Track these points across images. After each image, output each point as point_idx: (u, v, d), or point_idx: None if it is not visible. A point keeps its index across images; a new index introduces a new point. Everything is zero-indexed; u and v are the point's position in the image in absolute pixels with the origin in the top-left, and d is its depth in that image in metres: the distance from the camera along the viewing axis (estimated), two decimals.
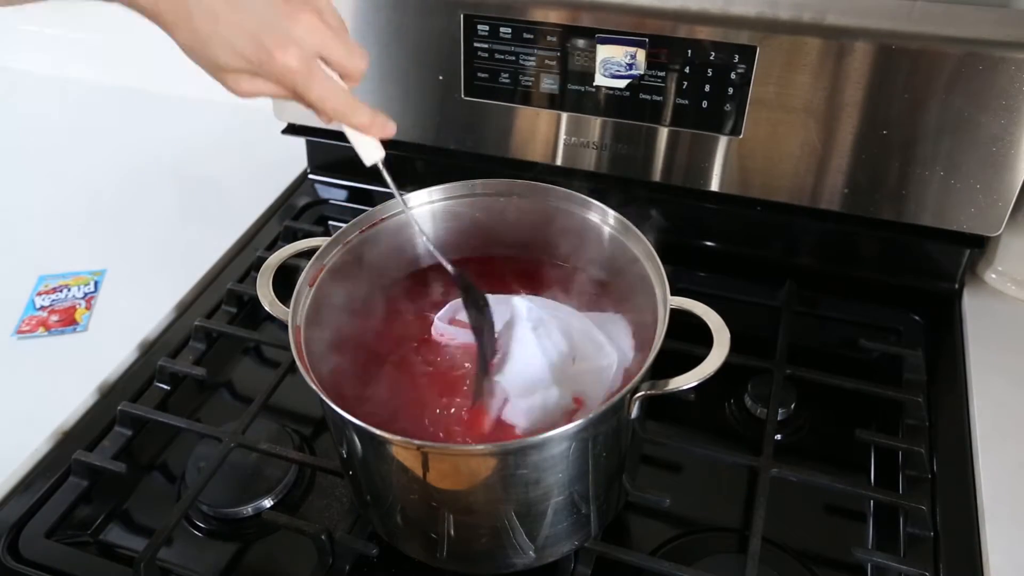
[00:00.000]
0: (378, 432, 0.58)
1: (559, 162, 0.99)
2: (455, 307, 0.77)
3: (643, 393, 0.62)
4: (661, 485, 0.77)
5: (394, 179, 0.67)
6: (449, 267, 0.72)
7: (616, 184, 0.98)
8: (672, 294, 0.66)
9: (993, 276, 0.96)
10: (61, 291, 1.00)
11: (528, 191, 0.79)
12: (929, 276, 0.96)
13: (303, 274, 0.71)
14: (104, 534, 0.78)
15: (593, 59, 0.91)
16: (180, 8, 0.56)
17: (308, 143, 1.16)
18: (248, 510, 0.78)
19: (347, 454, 0.67)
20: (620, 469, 0.69)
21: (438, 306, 0.78)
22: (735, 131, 0.90)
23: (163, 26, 0.57)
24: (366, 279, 0.78)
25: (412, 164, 1.07)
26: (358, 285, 0.77)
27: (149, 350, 0.93)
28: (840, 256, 0.99)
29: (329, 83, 0.59)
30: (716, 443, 0.83)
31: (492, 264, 0.82)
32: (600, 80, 0.92)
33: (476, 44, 0.95)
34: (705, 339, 0.65)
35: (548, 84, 0.94)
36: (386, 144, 0.65)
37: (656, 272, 0.69)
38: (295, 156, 1.18)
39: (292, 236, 1.06)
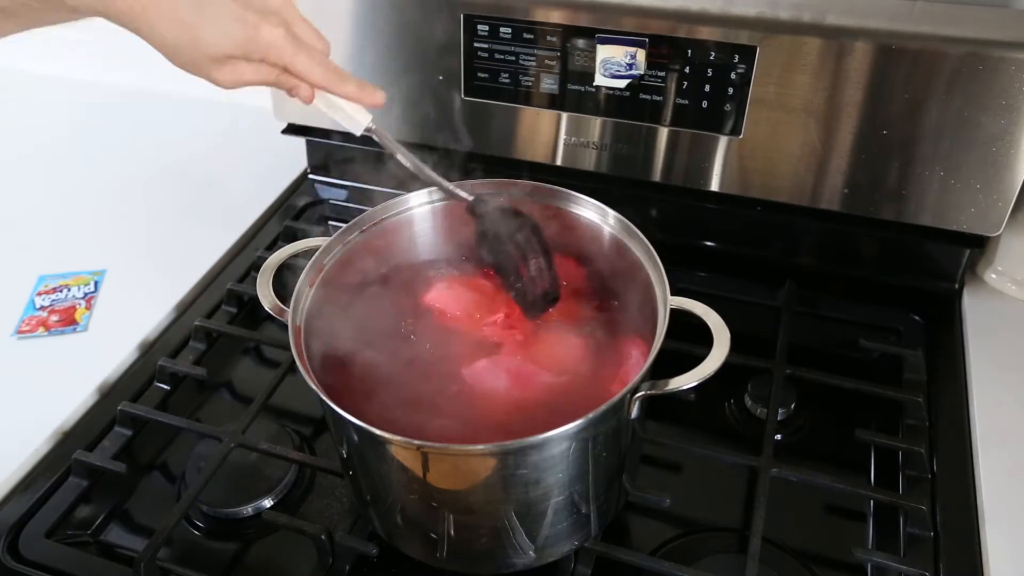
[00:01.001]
0: (378, 432, 0.58)
1: (559, 162, 0.99)
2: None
3: (643, 393, 0.62)
4: (661, 485, 0.77)
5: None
6: (463, 194, 0.73)
7: (616, 184, 0.98)
8: (672, 294, 0.66)
9: (993, 276, 0.96)
10: (61, 291, 1.00)
11: (528, 191, 0.79)
12: (929, 276, 0.96)
13: (303, 274, 0.71)
14: (104, 534, 0.78)
15: (593, 59, 0.91)
16: (163, 2, 0.57)
17: (308, 143, 1.16)
18: (248, 510, 0.78)
19: (347, 454, 0.68)
20: (620, 469, 0.69)
21: None
22: (735, 131, 0.90)
23: (144, 26, 0.58)
24: (366, 279, 0.78)
25: None
26: (358, 285, 0.77)
27: (149, 350, 0.93)
28: (840, 256, 0.99)
29: (315, 52, 0.59)
30: (716, 443, 0.83)
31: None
32: (600, 80, 0.92)
33: (476, 44, 0.95)
34: (705, 339, 0.65)
35: (548, 84, 0.94)
36: None
37: (656, 272, 0.69)
38: (295, 156, 1.18)
39: (292, 236, 1.06)
